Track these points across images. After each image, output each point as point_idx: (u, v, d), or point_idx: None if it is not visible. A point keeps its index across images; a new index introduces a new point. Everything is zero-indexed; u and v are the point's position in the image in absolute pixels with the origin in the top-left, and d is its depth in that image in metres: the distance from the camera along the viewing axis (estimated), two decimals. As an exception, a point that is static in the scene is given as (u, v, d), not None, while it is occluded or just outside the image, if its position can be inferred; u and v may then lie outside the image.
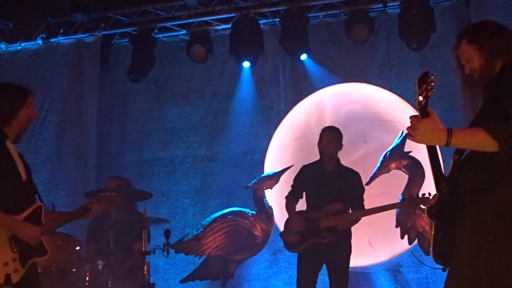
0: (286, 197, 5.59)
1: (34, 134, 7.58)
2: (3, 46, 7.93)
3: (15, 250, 3.31)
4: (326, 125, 6.06)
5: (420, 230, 6.05)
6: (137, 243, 5.28)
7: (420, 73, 2.61)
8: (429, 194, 4.90)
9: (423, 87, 2.56)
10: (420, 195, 5.16)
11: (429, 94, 2.55)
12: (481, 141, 2.54)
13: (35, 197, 3.61)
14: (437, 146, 2.67)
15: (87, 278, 5.09)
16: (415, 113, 2.61)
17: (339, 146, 5.48)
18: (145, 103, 7.87)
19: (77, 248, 5.31)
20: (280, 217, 6.39)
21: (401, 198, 5.85)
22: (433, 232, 2.77)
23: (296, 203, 5.57)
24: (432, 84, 2.55)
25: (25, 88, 3.60)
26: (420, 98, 2.57)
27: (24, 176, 3.51)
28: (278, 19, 7.34)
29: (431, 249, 2.79)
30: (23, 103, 3.48)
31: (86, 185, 7.21)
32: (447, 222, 2.72)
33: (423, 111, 2.56)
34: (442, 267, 2.84)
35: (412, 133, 2.58)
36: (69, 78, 7.78)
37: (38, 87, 7.71)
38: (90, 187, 6.87)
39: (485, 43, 2.79)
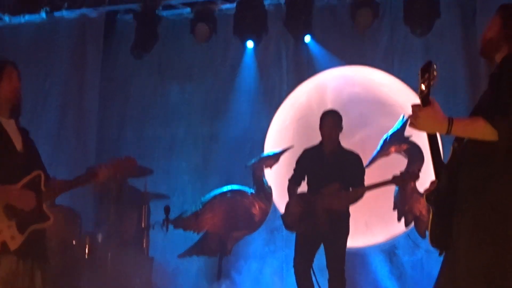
0: (289, 180, 5.67)
1: (36, 111, 7.55)
2: (6, 18, 7.89)
3: (11, 218, 3.33)
4: (328, 107, 6.09)
5: (417, 213, 6.11)
6: None
7: (424, 63, 2.66)
8: (418, 170, 4.98)
9: (426, 76, 2.61)
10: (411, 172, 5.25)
11: (432, 83, 2.60)
12: (481, 130, 2.59)
13: (35, 167, 3.58)
14: (438, 135, 2.72)
15: (86, 251, 5.15)
16: (417, 98, 2.67)
17: (340, 129, 5.52)
18: (147, 81, 7.85)
19: (77, 221, 5.39)
20: (278, 197, 6.45)
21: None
22: (430, 217, 2.81)
23: (299, 186, 5.64)
24: (435, 73, 2.59)
25: (1, 61, 3.62)
26: (423, 87, 2.62)
27: (19, 147, 3.52)
28: (283, 0, 7.31)
29: (428, 233, 2.85)
30: (1, 74, 3.51)
31: (86, 163, 7.21)
32: (445, 209, 2.75)
33: (425, 100, 2.61)
34: (440, 254, 2.88)
35: (413, 121, 2.64)
36: (72, 54, 7.74)
37: (41, 63, 7.73)
38: (91, 165, 6.89)
39: (510, 26, 2.83)
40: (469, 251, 2.61)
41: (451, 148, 2.84)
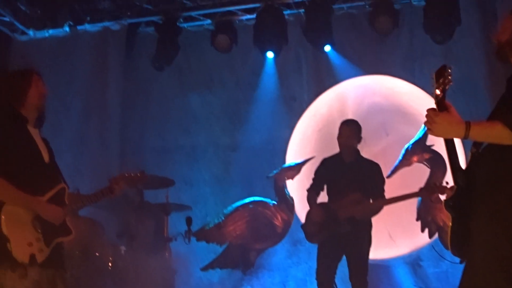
0: (308, 190, 5.63)
1: (59, 120, 7.68)
2: (31, 32, 8.03)
3: (39, 230, 3.36)
4: (349, 117, 6.07)
5: (441, 223, 6.04)
6: None
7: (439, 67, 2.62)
8: (447, 183, 4.90)
9: (441, 80, 2.58)
10: (438, 184, 5.17)
11: (447, 87, 2.57)
12: (498, 134, 2.55)
13: (59, 179, 3.63)
14: (457, 139, 2.69)
15: (110, 263, 5.17)
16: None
17: (358, 139, 5.49)
18: (168, 91, 7.93)
19: (100, 232, 5.41)
20: (301, 208, 6.42)
21: (420, 190, 5.83)
22: (450, 225, 2.78)
23: (318, 196, 5.61)
24: (449, 77, 2.57)
25: (28, 69, 3.66)
26: (438, 91, 2.59)
27: (47, 159, 3.56)
28: (303, 10, 7.33)
29: (449, 242, 2.80)
30: (30, 81, 3.54)
31: (110, 171, 7.28)
32: (464, 215, 2.72)
33: (441, 104, 2.59)
34: (461, 262, 2.85)
35: (429, 127, 2.61)
36: (95, 65, 7.86)
37: (65, 73, 7.83)
38: (113, 174, 6.94)
39: None
40: (486, 246, 2.58)
41: (470, 153, 2.80)
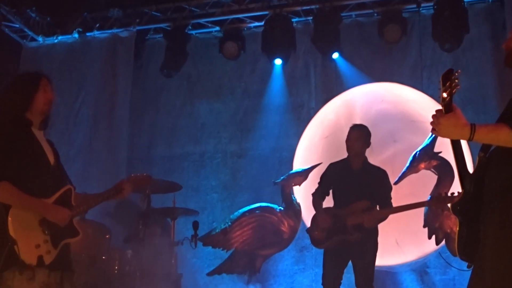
0: (313, 194, 5.62)
1: (68, 126, 7.74)
2: (40, 39, 8.12)
3: (46, 232, 3.36)
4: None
5: (448, 230, 6.01)
6: None
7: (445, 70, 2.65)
8: (458, 193, 4.86)
9: (447, 84, 2.60)
10: (449, 194, 5.13)
11: (453, 91, 2.59)
12: (504, 137, 2.55)
13: (65, 181, 3.62)
14: (464, 144, 2.69)
15: (116, 266, 5.18)
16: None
17: (367, 144, 5.48)
18: (176, 98, 7.96)
19: (107, 236, 5.43)
20: (307, 214, 6.39)
21: (429, 198, 5.81)
22: (457, 229, 2.78)
23: (323, 200, 5.59)
24: (456, 81, 2.58)
25: (37, 73, 3.65)
26: (444, 94, 2.61)
27: (52, 161, 3.55)
28: (311, 18, 7.36)
29: (456, 246, 2.80)
30: (38, 85, 3.53)
31: (117, 178, 7.26)
32: (472, 219, 2.72)
33: (447, 107, 2.60)
34: (468, 267, 2.84)
35: (435, 128, 2.62)
36: (103, 72, 7.92)
37: (73, 80, 7.91)
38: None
39: None
40: (497, 250, 2.57)
41: (477, 157, 2.79)
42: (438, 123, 2.60)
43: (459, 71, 2.60)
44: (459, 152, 2.71)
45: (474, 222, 2.71)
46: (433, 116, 2.63)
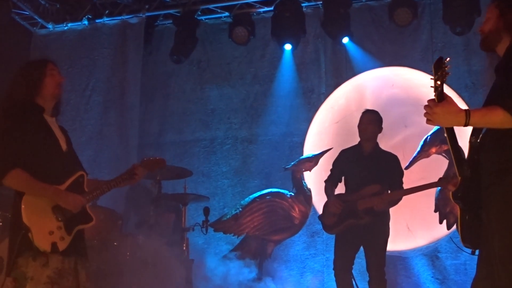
0: (325, 181, 5.62)
1: (79, 113, 7.77)
2: (50, 26, 8.13)
3: (59, 219, 3.37)
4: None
5: (459, 215, 5.99)
6: None
7: (436, 59, 2.70)
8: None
9: (439, 72, 2.64)
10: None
11: (444, 79, 2.64)
12: (499, 119, 2.59)
13: (77, 167, 3.63)
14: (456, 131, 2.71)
15: (127, 252, 5.20)
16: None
17: (379, 129, 5.47)
18: (186, 84, 7.95)
19: (119, 222, 5.45)
20: (318, 200, 6.41)
21: (439, 181, 5.78)
22: (459, 216, 2.79)
23: (335, 187, 5.59)
24: (446, 68, 2.64)
25: (43, 59, 3.68)
26: (438, 82, 2.65)
27: (64, 147, 3.56)
28: (321, 2, 7.30)
29: (459, 233, 2.80)
30: (45, 70, 3.55)
31: (128, 164, 7.28)
32: (473, 205, 2.75)
33: (441, 95, 2.64)
34: (473, 253, 2.85)
35: (430, 117, 2.66)
36: (113, 58, 7.93)
37: (83, 67, 7.92)
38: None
39: (507, 13, 2.83)
40: (501, 233, 2.60)
41: (468, 143, 2.82)
42: (433, 112, 2.64)
43: (448, 58, 2.66)
44: (454, 140, 2.75)
45: (475, 207, 2.74)
46: (426, 107, 2.67)
